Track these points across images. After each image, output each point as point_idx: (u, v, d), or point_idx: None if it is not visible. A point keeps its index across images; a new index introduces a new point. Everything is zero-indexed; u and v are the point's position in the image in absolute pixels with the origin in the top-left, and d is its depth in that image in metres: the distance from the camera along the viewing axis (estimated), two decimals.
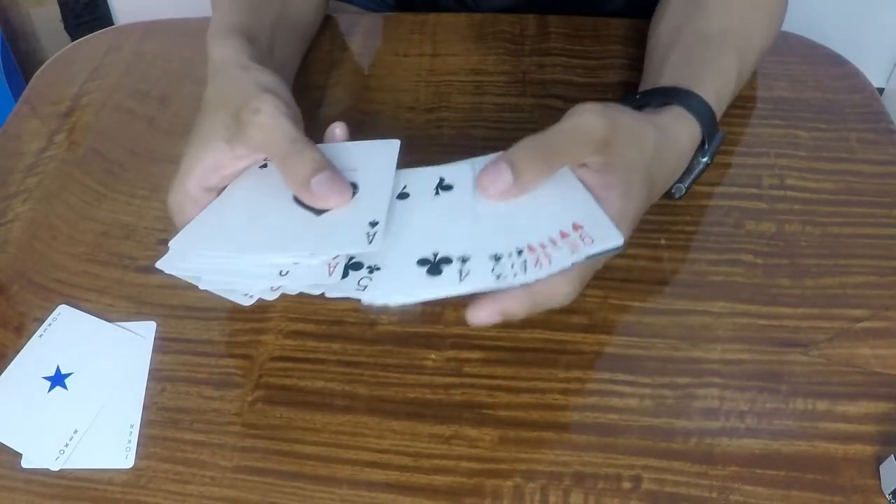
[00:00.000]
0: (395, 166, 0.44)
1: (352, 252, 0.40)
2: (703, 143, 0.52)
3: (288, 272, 0.40)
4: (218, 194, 0.47)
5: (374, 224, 0.40)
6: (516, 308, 0.41)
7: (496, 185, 0.42)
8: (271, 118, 0.44)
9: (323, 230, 0.41)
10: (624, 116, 0.46)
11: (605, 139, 0.44)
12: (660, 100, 0.52)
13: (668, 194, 0.53)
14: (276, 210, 0.43)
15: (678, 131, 0.50)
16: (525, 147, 0.43)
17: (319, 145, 0.45)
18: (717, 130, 0.53)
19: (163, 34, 0.71)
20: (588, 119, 0.44)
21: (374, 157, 0.45)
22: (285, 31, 0.60)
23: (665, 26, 0.60)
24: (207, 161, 0.46)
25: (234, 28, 0.54)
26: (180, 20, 0.72)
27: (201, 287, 0.44)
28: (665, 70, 0.55)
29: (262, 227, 0.43)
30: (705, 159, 0.53)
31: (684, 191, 0.54)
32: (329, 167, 0.43)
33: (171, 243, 0.44)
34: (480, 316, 0.41)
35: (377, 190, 0.42)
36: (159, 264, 0.44)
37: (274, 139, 0.44)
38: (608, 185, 0.44)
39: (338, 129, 0.48)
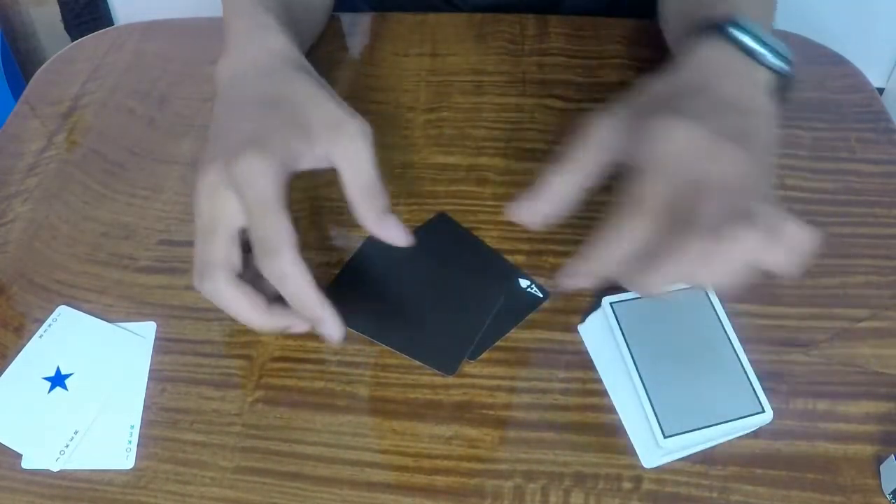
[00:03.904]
0: None
1: None
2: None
3: None
4: None
5: None
6: None
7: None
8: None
9: None
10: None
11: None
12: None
13: (787, 86, 0.50)
14: None
15: (690, 42, 0.48)
16: None
17: None
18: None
19: (163, 34, 0.71)
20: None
21: None
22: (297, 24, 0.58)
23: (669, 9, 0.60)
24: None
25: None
26: (180, 20, 0.72)
27: None
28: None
29: None
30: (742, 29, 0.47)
31: (788, 68, 0.49)
32: None
33: None
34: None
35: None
36: None
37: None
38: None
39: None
